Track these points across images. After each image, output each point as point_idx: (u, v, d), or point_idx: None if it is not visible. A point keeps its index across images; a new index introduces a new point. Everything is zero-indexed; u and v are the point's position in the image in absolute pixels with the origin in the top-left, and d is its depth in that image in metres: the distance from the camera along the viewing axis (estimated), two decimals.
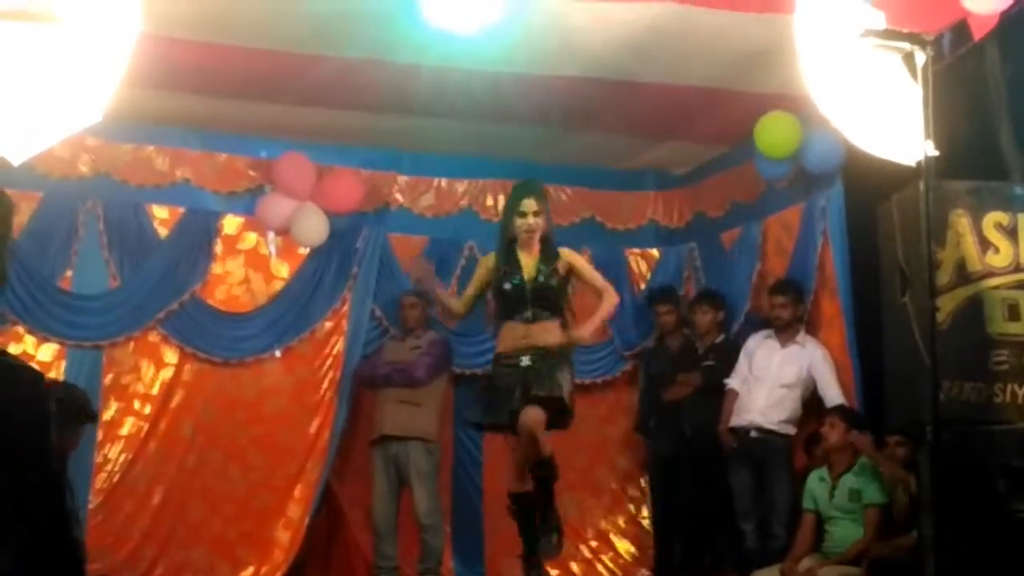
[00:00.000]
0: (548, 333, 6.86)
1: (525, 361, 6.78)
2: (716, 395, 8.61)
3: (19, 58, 5.34)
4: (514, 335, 6.89)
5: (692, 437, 8.82)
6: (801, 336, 8.37)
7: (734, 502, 8.38)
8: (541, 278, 6.90)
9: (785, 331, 8.38)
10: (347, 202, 9.17)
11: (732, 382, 8.51)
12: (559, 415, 6.83)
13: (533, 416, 6.70)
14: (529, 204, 6.95)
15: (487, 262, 7.13)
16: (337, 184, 9.16)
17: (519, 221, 6.93)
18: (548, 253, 6.98)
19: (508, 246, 7.00)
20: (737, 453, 8.36)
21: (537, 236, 6.97)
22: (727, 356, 8.73)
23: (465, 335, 9.38)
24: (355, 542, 9.18)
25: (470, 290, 7.20)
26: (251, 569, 8.93)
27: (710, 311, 9.03)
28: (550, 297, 6.92)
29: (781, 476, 8.20)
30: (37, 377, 2.31)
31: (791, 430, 8.29)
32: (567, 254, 7.06)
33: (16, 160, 5.85)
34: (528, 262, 6.94)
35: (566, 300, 7.08)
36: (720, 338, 8.99)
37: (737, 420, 8.38)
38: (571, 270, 7.01)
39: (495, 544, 9.03)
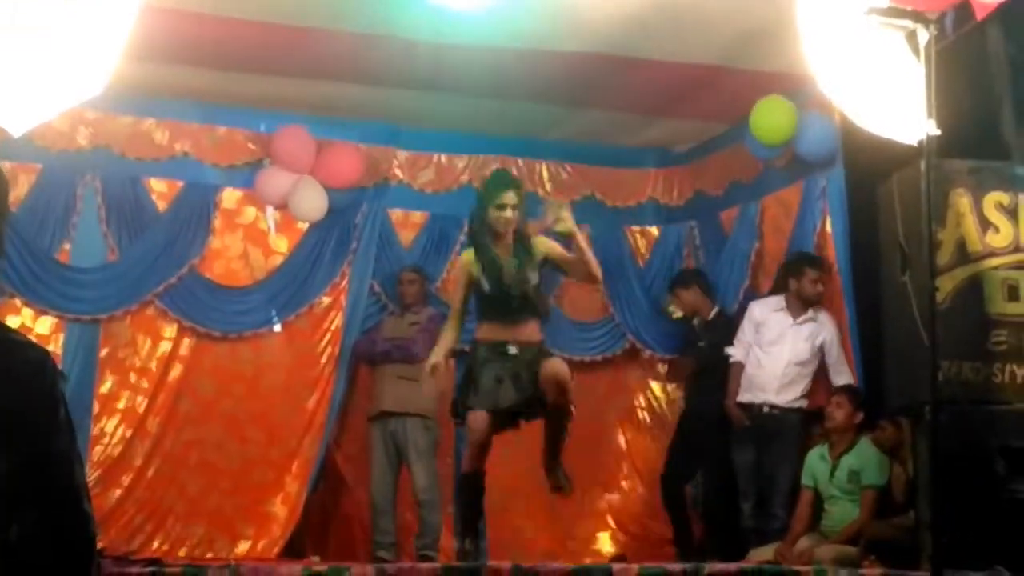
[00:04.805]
0: (532, 331, 6.83)
1: (512, 349, 6.73)
2: (710, 377, 8.60)
3: (20, 30, 5.33)
4: (498, 329, 6.81)
5: (689, 418, 8.85)
6: (813, 311, 8.21)
7: (737, 480, 8.33)
8: (519, 276, 6.73)
9: (801, 305, 8.25)
10: (346, 177, 9.13)
11: (736, 353, 8.38)
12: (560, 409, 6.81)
13: (558, 367, 6.70)
14: (509, 197, 6.76)
15: (468, 265, 6.89)
16: (336, 158, 9.12)
17: (496, 214, 6.74)
18: (521, 246, 6.79)
19: (484, 242, 6.83)
20: (744, 430, 8.26)
21: (512, 230, 6.80)
22: (721, 335, 8.69)
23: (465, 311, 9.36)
24: (353, 517, 9.18)
25: (459, 304, 7.01)
26: (249, 544, 8.91)
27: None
28: (530, 297, 6.79)
29: (788, 454, 8.09)
30: (43, 354, 2.30)
31: (803, 403, 8.20)
32: (541, 243, 6.87)
33: (16, 131, 5.85)
34: (504, 258, 6.77)
35: (545, 296, 6.99)
36: (714, 312, 8.97)
37: (749, 397, 8.27)
38: (546, 260, 6.84)
39: (498, 523, 8.93)
